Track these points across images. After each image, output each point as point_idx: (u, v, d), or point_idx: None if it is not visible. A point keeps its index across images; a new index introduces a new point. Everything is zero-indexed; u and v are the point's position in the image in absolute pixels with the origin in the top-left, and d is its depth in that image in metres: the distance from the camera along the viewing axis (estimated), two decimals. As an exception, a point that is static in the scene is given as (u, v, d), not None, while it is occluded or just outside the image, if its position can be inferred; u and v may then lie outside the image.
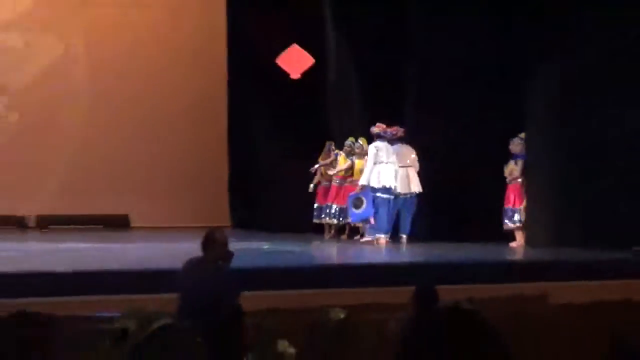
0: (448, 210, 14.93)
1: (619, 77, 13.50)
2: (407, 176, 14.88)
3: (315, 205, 16.32)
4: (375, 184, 14.40)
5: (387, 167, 14.50)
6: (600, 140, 13.53)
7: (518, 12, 14.77)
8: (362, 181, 14.73)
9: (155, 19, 17.99)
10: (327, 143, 16.40)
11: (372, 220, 14.68)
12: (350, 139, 15.48)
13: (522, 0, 14.82)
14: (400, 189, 14.67)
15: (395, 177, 14.59)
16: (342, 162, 15.71)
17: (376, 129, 14.62)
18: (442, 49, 15.28)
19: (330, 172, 15.91)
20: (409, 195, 14.92)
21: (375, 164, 14.38)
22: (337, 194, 15.75)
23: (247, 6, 17.96)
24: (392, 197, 14.66)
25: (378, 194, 14.43)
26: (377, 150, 14.45)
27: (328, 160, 16.15)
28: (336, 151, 16.04)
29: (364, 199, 14.61)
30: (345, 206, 15.45)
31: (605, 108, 13.50)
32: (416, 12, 15.77)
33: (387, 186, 14.46)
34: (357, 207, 14.75)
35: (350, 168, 15.64)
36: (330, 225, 16.17)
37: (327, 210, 16.02)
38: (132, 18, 17.67)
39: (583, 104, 13.62)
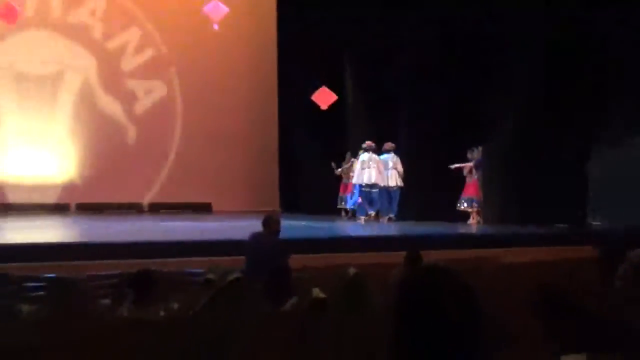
0: (428, 198, 15.01)
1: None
2: (388, 176, 15.16)
3: (339, 196, 16.55)
4: (361, 182, 15.09)
5: (370, 170, 15.06)
6: (533, 151, 13.74)
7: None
8: (353, 181, 15.65)
9: (227, 64, 18.00)
10: (347, 153, 16.41)
11: (359, 200, 15.52)
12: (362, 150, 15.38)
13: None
14: (382, 183, 15.03)
15: (379, 177, 15.08)
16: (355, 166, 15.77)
17: (365, 144, 15.15)
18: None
19: (352, 174, 15.79)
20: (390, 188, 15.22)
21: (362, 169, 15.07)
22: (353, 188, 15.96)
23: (295, 36, 17.81)
24: (375, 189, 15.16)
25: (363, 189, 15.10)
26: (363, 160, 15.08)
27: (348, 165, 16.20)
28: (352, 159, 16.03)
29: (355, 192, 15.67)
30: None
31: (536, 131, 13.72)
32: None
33: (369, 183, 15.01)
34: (351, 197, 16.00)
35: None
36: (346, 210, 16.37)
37: (345, 199, 16.39)
38: (209, 66, 17.67)
39: (521, 131, 13.75)
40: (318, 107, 15.36)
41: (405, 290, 2.11)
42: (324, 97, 15.24)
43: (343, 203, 16.57)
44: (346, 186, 16.47)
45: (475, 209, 14.27)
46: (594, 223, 13.34)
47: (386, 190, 15.22)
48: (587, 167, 13.75)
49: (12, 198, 16.26)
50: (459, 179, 14.50)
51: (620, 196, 12.96)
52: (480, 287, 2.14)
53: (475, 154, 14.27)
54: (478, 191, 14.31)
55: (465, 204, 14.39)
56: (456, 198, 14.52)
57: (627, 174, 12.75)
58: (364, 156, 15.21)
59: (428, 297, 2.05)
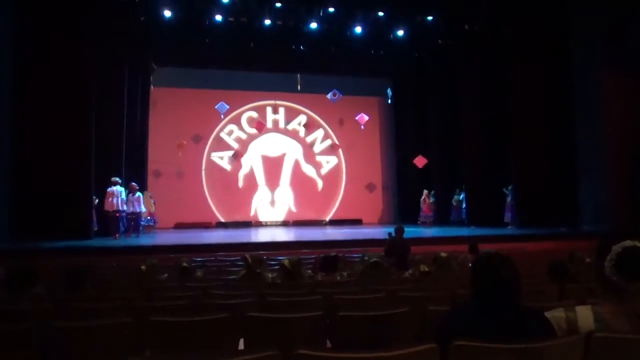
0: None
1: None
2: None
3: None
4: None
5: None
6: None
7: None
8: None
9: (367, 145, 17.85)
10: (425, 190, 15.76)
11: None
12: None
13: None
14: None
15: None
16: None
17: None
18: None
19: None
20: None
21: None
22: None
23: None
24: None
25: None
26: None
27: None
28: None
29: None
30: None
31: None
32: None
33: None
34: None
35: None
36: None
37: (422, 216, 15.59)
38: (359, 146, 17.58)
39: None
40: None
41: (478, 262, 2.04)
42: (420, 161, 14.90)
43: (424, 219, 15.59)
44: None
45: (427, 220, 15.07)
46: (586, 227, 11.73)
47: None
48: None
49: (262, 218, 16.95)
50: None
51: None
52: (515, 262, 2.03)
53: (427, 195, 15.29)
54: (429, 211, 15.22)
55: (427, 218, 15.21)
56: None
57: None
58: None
59: (489, 266, 1.96)
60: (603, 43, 11.25)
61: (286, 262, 4.62)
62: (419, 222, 15.31)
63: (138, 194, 11.94)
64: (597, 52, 11.38)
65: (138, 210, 11.84)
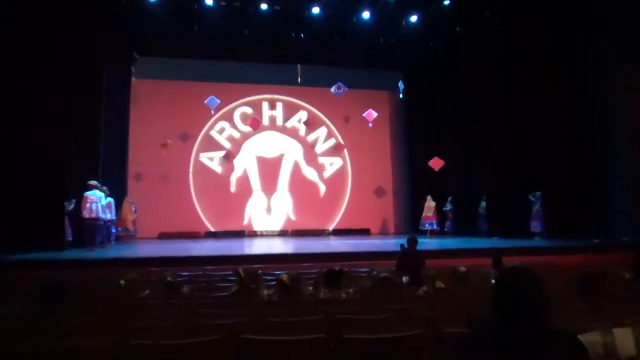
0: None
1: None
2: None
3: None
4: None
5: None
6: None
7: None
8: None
9: (376, 145, 17.90)
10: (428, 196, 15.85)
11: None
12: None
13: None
14: None
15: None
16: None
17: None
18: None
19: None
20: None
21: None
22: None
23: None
24: None
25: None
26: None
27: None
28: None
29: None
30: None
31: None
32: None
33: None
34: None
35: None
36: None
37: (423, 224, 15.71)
38: (370, 146, 17.60)
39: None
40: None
41: (496, 282, 2.04)
42: (436, 163, 14.85)
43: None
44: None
45: (434, 228, 15.44)
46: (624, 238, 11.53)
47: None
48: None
49: (256, 227, 16.94)
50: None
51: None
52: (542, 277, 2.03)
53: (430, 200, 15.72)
54: (435, 218, 15.56)
55: (435, 225, 15.54)
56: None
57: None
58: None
59: (513, 283, 1.96)
60: (625, 35, 11.33)
61: (284, 277, 4.60)
62: (427, 235, 15.03)
63: (109, 199, 11.70)
64: (617, 45, 11.44)
65: (109, 218, 11.75)
